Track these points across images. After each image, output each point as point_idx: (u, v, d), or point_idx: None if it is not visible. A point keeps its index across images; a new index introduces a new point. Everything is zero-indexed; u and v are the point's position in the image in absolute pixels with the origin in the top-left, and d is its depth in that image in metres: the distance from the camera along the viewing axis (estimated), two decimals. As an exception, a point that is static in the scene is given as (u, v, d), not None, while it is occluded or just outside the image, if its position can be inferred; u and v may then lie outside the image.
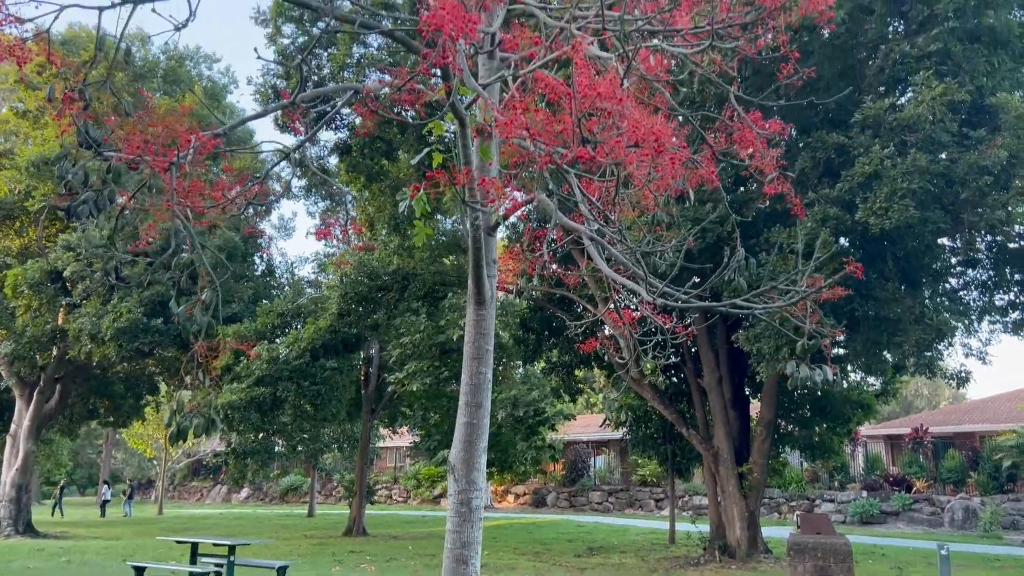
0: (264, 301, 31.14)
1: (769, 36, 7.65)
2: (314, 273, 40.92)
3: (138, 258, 23.44)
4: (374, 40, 27.12)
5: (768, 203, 16.99)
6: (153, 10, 7.62)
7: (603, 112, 5.30)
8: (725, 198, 9.46)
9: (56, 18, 6.97)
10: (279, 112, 25.78)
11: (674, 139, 5.15)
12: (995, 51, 17.13)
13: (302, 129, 8.89)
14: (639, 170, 5.51)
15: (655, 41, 6.80)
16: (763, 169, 7.37)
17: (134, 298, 25.73)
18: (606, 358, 25.66)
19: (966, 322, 21.20)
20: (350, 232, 27.90)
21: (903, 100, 18.67)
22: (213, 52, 37.63)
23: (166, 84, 30.92)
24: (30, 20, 6.93)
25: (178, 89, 30.78)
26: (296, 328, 28.86)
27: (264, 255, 36.24)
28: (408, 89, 7.99)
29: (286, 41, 26.51)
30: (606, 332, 23.02)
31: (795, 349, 6.44)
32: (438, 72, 8.01)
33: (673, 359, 12.23)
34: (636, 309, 11.13)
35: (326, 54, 26.34)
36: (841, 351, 21.70)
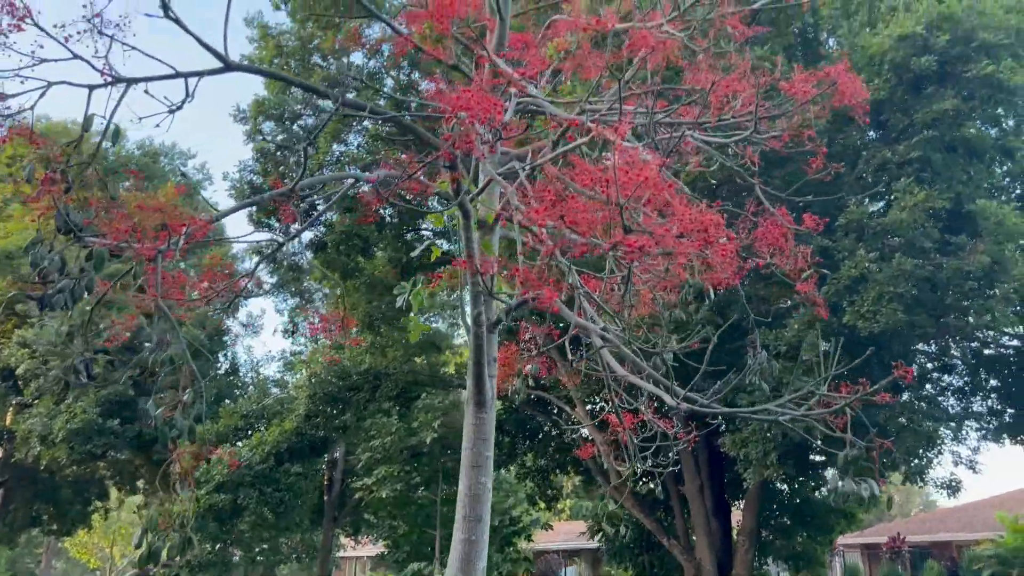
0: (227, 402, 29.91)
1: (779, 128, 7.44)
2: (280, 372, 39.72)
3: (98, 354, 22.48)
4: (354, 139, 27.22)
5: (789, 302, 16.78)
6: (146, 91, 7.21)
7: (643, 201, 4.89)
8: (743, 296, 9.10)
9: (42, 95, 6.52)
10: (254, 207, 25.51)
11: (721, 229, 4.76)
12: (971, 160, 17.52)
13: (292, 219, 8.41)
14: (679, 260, 5.07)
15: (684, 132, 6.53)
16: (782, 265, 7.02)
17: (90, 397, 24.46)
18: (588, 464, 24.79)
19: (953, 428, 20.92)
20: (332, 328, 27.09)
21: (881, 205, 18.92)
22: (188, 148, 37.72)
23: (140, 179, 30.50)
24: (14, 96, 6.48)
25: (150, 184, 30.38)
26: (260, 430, 27.63)
27: (229, 353, 35.18)
28: (408, 178, 7.59)
29: (265, 138, 26.48)
30: (587, 434, 22.25)
31: (837, 459, 5.92)
32: (446, 162, 7.69)
33: (661, 466, 11.54)
34: (637, 412, 10.53)
35: (301, 151, 26.33)
36: (821, 457, 21.22)
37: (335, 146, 26.53)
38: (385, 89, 28.66)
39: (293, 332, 41.60)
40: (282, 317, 40.69)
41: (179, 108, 7.16)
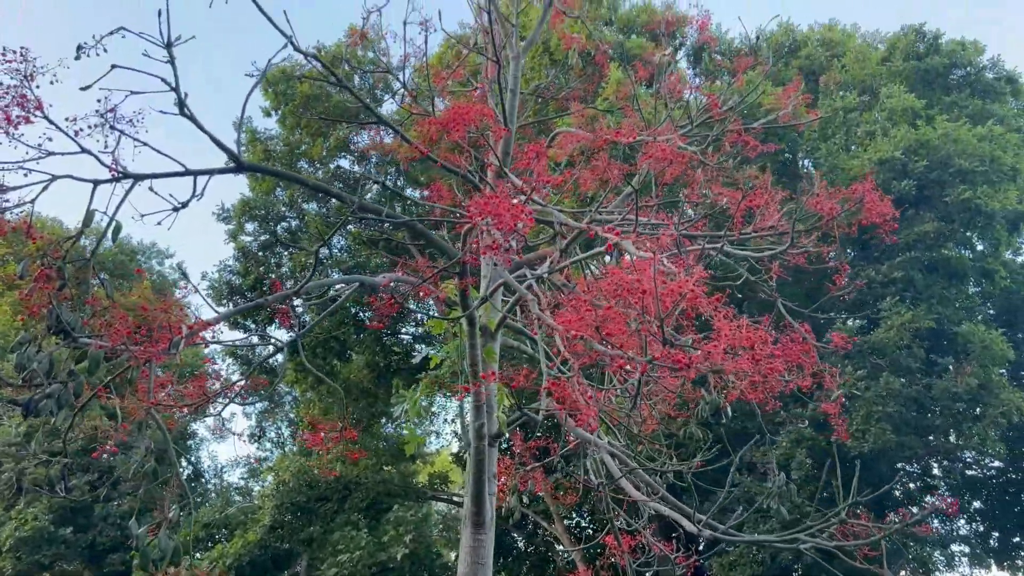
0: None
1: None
2: (244, 479, 38.20)
3: (56, 457, 21.31)
4: (338, 241, 27.18)
5: (785, 415, 16.53)
6: (151, 188, 7.01)
7: (676, 313, 4.69)
8: (759, 414, 8.84)
9: (45, 188, 6.27)
10: (231, 306, 25.08)
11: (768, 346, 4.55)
12: (951, 281, 17.79)
13: (289, 322, 8.09)
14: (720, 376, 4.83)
15: (723, 246, 6.43)
16: (802, 383, 6.80)
17: (43, 503, 23.12)
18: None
19: (947, 555, 20.42)
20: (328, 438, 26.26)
21: (864, 323, 19.02)
22: (167, 247, 37.35)
23: (114, 278, 30.02)
24: (15, 188, 6.22)
25: (125, 283, 29.89)
26: (222, 542, 26.20)
27: (192, 458, 33.77)
28: (423, 282, 7.37)
29: (248, 239, 26.30)
30: (569, 555, 21.25)
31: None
32: (459, 268, 7.50)
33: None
34: (635, 534, 10.03)
35: (286, 253, 26.19)
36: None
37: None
38: (369, 196, 28.92)
39: (260, 437, 40.37)
40: (249, 421, 39.34)
41: (184, 206, 6.95)
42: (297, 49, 8.08)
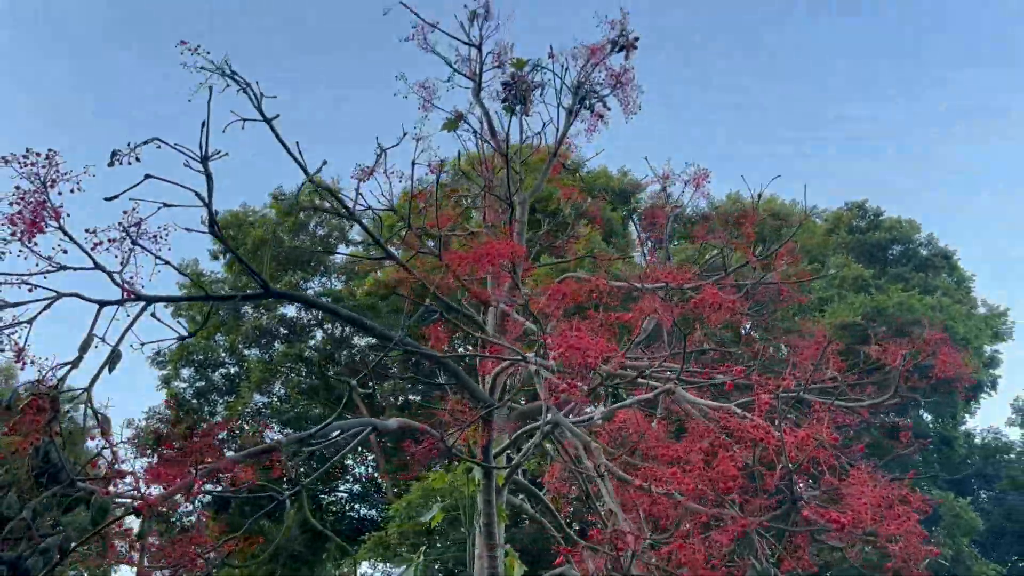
0: None
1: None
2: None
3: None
4: (279, 389, 25.87)
5: None
6: (153, 315, 6.30)
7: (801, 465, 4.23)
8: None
9: (47, 307, 5.50)
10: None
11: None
12: (913, 443, 17.88)
13: (280, 473, 7.24)
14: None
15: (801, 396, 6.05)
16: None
17: None
18: None
19: None
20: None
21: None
22: (78, 391, 34.80)
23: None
24: (15, 305, 5.43)
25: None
26: None
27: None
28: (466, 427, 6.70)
29: (183, 384, 24.79)
30: None
31: None
32: (483, 415, 6.88)
33: None
34: None
35: (222, 401, 24.68)
36: None
37: (256, 396, 25.08)
38: (313, 342, 28.03)
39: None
40: (155, 587, 35.59)
41: (192, 336, 6.25)
42: (316, 184, 7.73)
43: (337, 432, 6.65)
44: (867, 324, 17.99)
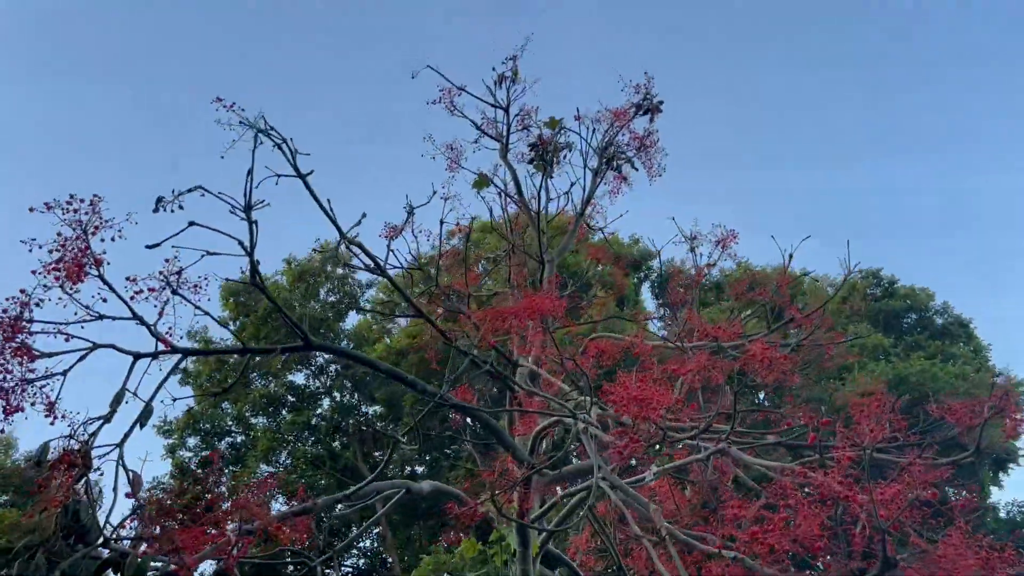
0: None
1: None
2: None
3: None
4: (285, 459, 25.30)
5: None
6: (180, 364, 6.05)
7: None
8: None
9: (82, 358, 5.29)
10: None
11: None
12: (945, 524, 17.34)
13: (308, 536, 6.91)
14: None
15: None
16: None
17: None
18: None
19: None
20: None
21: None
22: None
23: (17, 495, 27.02)
24: (45, 356, 5.23)
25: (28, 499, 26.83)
26: None
27: None
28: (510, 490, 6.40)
29: (187, 454, 24.27)
30: None
31: None
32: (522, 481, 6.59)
33: None
34: None
35: (227, 471, 24.16)
36: None
37: (263, 466, 24.53)
38: (319, 410, 27.62)
39: None
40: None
41: (226, 392, 6.03)
42: (349, 241, 7.62)
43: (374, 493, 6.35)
44: (890, 392, 17.69)
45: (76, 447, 5.08)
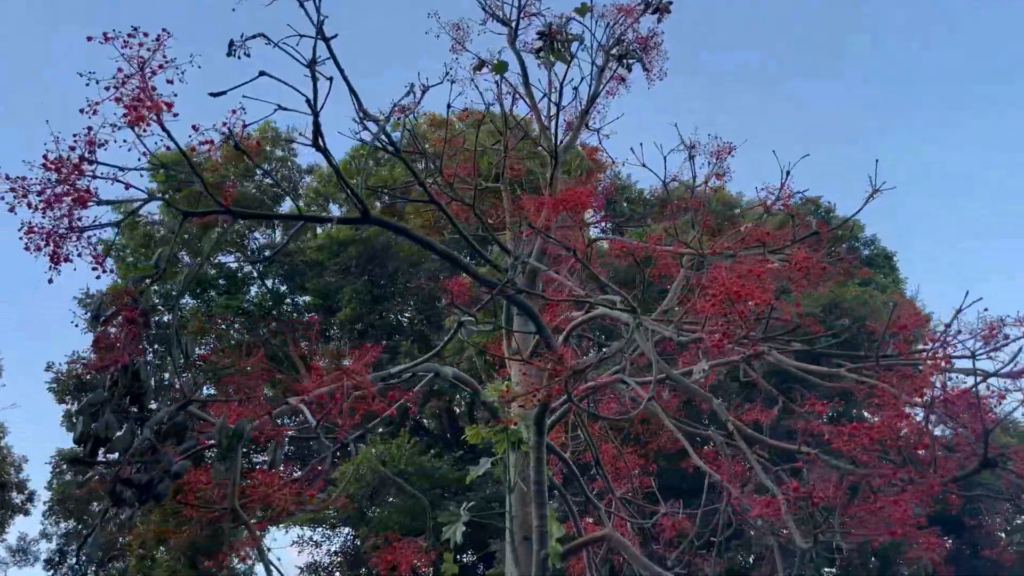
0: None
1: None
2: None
3: None
4: (212, 343, 24.63)
5: None
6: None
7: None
8: None
9: (136, 210, 4.87)
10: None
11: None
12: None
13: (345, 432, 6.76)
14: None
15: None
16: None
17: None
18: None
19: None
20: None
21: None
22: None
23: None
24: (106, 203, 4.76)
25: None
26: None
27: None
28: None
29: (112, 329, 23.20)
30: None
31: None
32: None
33: None
34: None
35: (152, 350, 23.38)
36: None
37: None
38: (250, 295, 26.90)
39: (59, 564, 34.61)
40: (49, 544, 33.99)
41: (269, 260, 5.70)
42: (367, 116, 7.18)
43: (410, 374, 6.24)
44: (826, 316, 18.54)
45: (133, 302, 4.74)
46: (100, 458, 4.27)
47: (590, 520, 10.15)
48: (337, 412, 5.35)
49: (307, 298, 27.70)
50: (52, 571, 34.57)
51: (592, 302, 6.89)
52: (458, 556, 9.12)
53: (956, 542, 22.17)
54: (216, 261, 25.48)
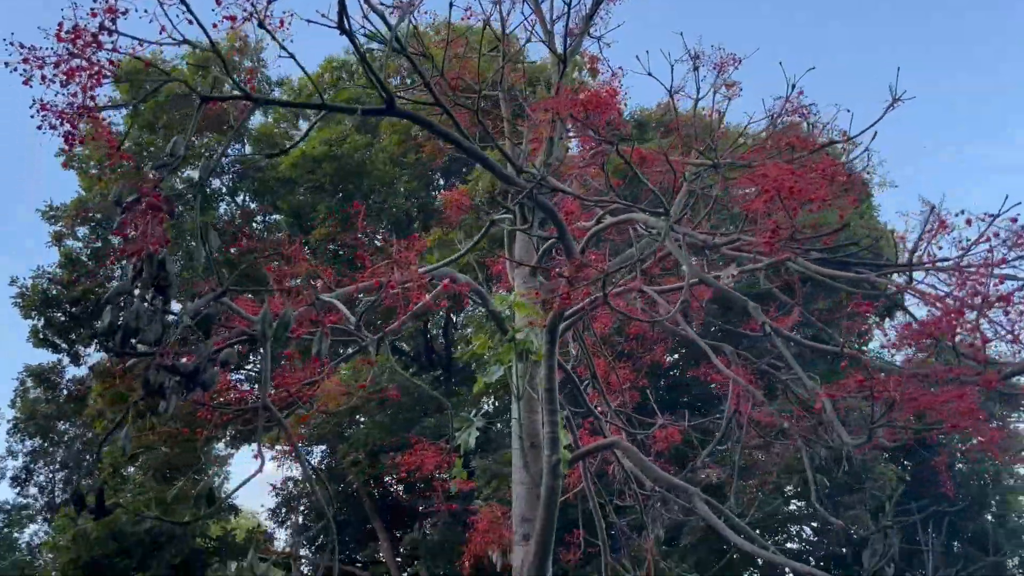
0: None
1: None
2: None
3: None
4: (179, 262, 24.10)
5: None
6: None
7: None
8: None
9: (154, 91, 4.38)
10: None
11: None
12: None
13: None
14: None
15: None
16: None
17: None
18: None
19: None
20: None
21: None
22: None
23: None
24: (125, 80, 4.37)
25: None
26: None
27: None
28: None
29: (77, 244, 22.52)
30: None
31: None
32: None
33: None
34: None
35: (120, 267, 22.80)
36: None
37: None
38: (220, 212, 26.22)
39: (26, 481, 34.42)
40: (15, 461, 33.77)
41: (284, 152, 5.42)
42: (371, 6, 6.80)
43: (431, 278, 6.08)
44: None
45: (157, 189, 4.47)
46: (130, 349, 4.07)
47: (585, 432, 10.25)
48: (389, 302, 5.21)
49: (279, 216, 27.13)
50: (19, 488, 34.43)
51: (625, 205, 6.74)
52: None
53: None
54: (186, 176, 24.68)
